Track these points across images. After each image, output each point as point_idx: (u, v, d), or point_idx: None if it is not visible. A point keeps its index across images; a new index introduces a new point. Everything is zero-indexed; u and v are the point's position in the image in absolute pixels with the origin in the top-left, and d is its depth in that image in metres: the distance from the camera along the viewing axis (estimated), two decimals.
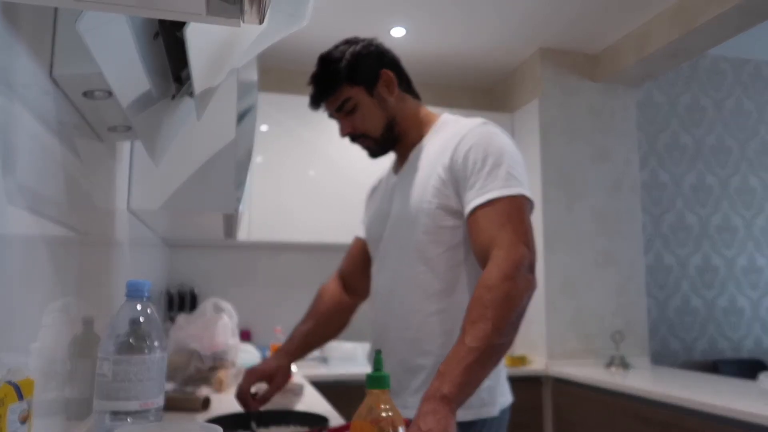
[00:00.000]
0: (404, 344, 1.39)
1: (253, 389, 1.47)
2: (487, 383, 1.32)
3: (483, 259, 1.26)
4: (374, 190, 1.68)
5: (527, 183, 1.33)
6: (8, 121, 0.85)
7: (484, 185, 1.29)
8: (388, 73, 1.47)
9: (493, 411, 1.34)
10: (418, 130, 1.51)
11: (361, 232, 1.72)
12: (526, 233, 1.26)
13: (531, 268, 1.23)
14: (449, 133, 1.43)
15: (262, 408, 1.47)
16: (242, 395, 1.43)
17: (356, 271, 1.69)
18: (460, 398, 1.09)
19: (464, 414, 1.28)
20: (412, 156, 1.49)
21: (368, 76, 1.46)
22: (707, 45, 3.20)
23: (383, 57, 1.49)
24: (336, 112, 1.49)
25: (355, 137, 1.50)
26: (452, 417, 1.06)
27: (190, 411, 1.65)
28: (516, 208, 1.27)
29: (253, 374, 1.47)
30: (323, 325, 1.63)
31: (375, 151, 1.53)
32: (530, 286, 1.21)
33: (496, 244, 1.23)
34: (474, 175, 1.31)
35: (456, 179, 1.35)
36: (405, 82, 1.52)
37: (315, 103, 1.50)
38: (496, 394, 1.37)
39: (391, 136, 1.50)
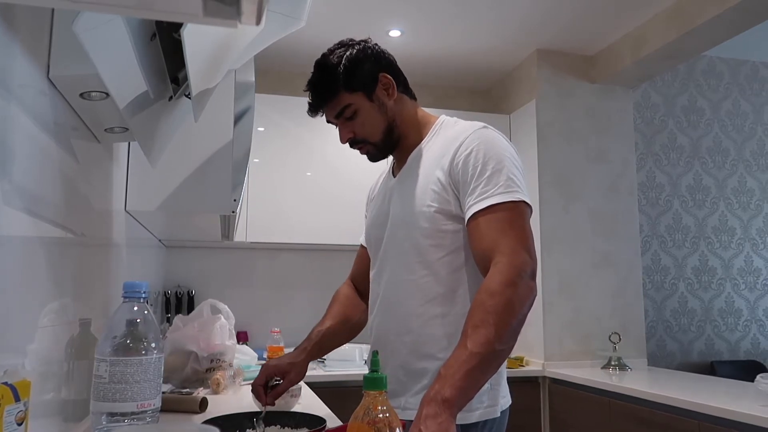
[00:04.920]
0: (405, 348, 1.39)
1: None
2: (488, 385, 1.31)
3: (484, 265, 1.26)
4: (373, 193, 1.68)
5: (526, 188, 1.33)
6: (5, 122, 0.85)
7: (485, 190, 1.29)
8: (387, 77, 1.46)
9: (494, 413, 1.34)
10: (417, 132, 1.51)
11: (363, 237, 1.72)
12: (527, 240, 1.26)
13: (533, 275, 1.23)
14: (448, 136, 1.43)
15: (259, 409, 1.47)
16: (256, 389, 1.46)
17: (366, 276, 1.69)
18: (461, 402, 1.09)
19: (466, 416, 1.28)
20: (410, 159, 1.48)
21: (366, 81, 1.44)
22: (704, 46, 3.21)
23: (380, 60, 1.48)
24: (335, 119, 1.48)
25: (356, 142, 1.49)
26: (453, 421, 1.06)
27: (187, 412, 1.64)
28: (517, 214, 1.27)
29: (267, 369, 1.49)
30: (340, 326, 1.62)
31: (375, 156, 1.52)
32: (532, 293, 1.21)
33: (499, 250, 1.23)
34: (474, 180, 1.31)
35: (456, 183, 1.34)
36: (402, 84, 1.51)
37: (314, 110, 1.49)
38: (497, 396, 1.36)
39: (392, 140, 1.49)
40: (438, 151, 1.41)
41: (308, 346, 1.56)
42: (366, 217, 1.71)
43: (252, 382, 1.49)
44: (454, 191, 1.35)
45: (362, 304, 1.68)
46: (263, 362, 1.62)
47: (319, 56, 1.48)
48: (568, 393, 3.20)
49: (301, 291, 3.80)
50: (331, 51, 1.47)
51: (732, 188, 4.45)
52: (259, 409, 1.44)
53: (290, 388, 1.69)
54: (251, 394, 1.49)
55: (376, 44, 1.50)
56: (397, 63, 1.52)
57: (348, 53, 1.44)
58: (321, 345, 1.58)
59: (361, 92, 1.43)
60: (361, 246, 1.72)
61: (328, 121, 1.51)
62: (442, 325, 1.35)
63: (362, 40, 1.48)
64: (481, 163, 1.31)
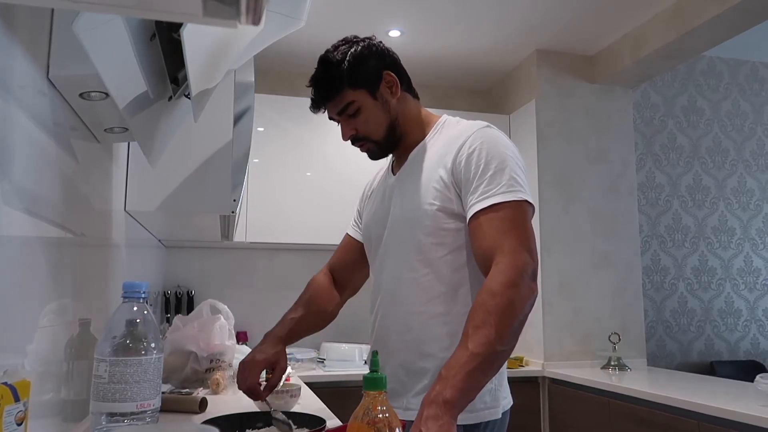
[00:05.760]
0: (405, 346, 1.38)
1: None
2: (489, 386, 1.31)
3: (485, 265, 1.25)
4: (370, 190, 1.68)
5: (528, 187, 1.32)
6: (5, 122, 0.85)
7: (487, 190, 1.28)
8: (391, 74, 1.45)
9: (496, 413, 1.34)
10: (419, 130, 1.50)
11: (352, 231, 1.72)
12: (529, 240, 1.25)
13: (533, 276, 1.23)
14: (451, 135, 1.42)
15: (258, 410, 1.46)
16: (253, 388, 1.44)
17: (346, 267, 1.70)
18: (462, 404, 1.09)
19: (467, 417, 1.28)
20: (412, 157, 1.48)
21: (370, 79, 1.43)
22: (704, 46, 3.21)
23: (385, 57, 1.47)
24: (338, 115, 1.47)
25: (358, 140, 1.48)
26: (453, 422, 1.05)
27: (186, 412, 1.64)
28: (519, 214, 1.27)
29: (257, 365, 1.47)
30: (313, 316, 1.63)
31: (376, 154, 1.52)
32: (532, 294, 1.21)
33: (500, 250, 1.22)
34: (477, 178, 1.30)
35: (458, 182, 1.34)
36: (405, 82, 1.50)
37: (316, 106, 1.48)
38: (499, 397, 1.36)
39: (394, 138, 1.48)
40: (440, 149, 1.41)
41: (282, 333, 1.55)
42: (358, 210, 1.71)
43: (241, 381, 1.45)
44: (456, 190, 1.35)
45: (336, 296, 1.69)
46: None
47: (321, 54, 1.47)
48: (567, 393, 3.20)
49: (300, 291, 3.78)
50: (335, 47, 1.46)
51: (732, 188, 4.45)
52: (262, 408, 1.43)
53: (290, 389, 1.70)
54: (245, 394, 1.46)
55: (380, 42, 1.49)
56: (401, 61, 1.52)
57: (353, 50, 1.43)
58: (293, 332, 1.58)
59: (364, 89, 1.43)
60: (347, 236, 1.72)
61: (330, 118, 1.50)
62: (444, 324, 1.34)
63: (367, 37, 1.48)
64: (484, 162, 1.31)
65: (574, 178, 3.65)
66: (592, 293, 3.57)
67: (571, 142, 3.68)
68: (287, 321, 1.59)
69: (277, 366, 1.49)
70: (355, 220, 1.72)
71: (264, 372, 1.51)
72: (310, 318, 1.62)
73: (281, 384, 1.61)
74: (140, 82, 1.00)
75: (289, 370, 1.68)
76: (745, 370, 3.94)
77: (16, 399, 0.75)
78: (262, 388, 1.48)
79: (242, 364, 1.49)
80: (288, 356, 1.59)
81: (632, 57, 3.42)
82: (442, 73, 4.08)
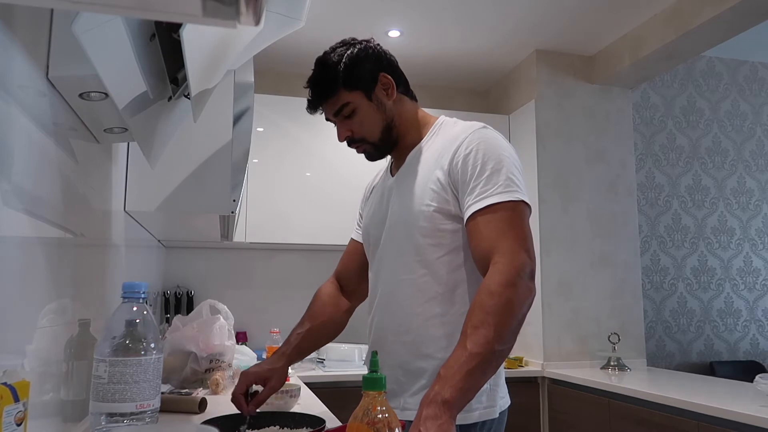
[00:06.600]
0: (403, 347, 1.39)
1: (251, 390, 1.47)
2: (485, 386, 1.31)
3: (483, 265, 1.26)
4: (370, 192, 1.68)
5: (525, 188, 1.33)
6: (4, 122, 0.85)
7: (484, 190, 1.29)
8: (387, 77, 1.46)
9: (493, 413, 1.34)
10: (416, 132, 1.51)
11: (356, 235, 1.71)
12: (526, 240, 1.26)
13: (531, 276, 1.23)
14: (448, 136, 1.43)
15: (258, 410, 1.46)
16: (237, 398, 1.42)
17: (353, 273, 1.69)
18: (461, 403, 1.09)
19: (465, 417, 1.28)
20: (409, 158, 1.49)
21: (366, 81, 1.44)
22: (702, 47, 3.22)
23: (381, 60, 1.48)
24: (334, 117, 1.48)
25: (353, 141, 1.49)
26: (452, 422, 1.06)
27: (186, 413, 1.64)
28: (517, 214, 1.27)
29: (247, 377, 1.46)
30: (320, 327, 1.61)
31: (373, 155, 1.52)
32: (530, 294, 1.22)
33: (498, 250, 1.23)
34: (473, 179, 1.31)
35: (455, 183, 1.35)
36: (402, 84, 1.51)
37: (312, 107, 1.49)
38: (496, 397, 1.36)
39: (390, 140, 1.49)
40: (437, 150, 1.42)
41: (287, 350, 1.54)
42: (360, 213, 1.71)
43: (232, 390, 1.44)
44: (453, 191, 1.35)
45: (345, 304, 1.67)
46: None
47: (319, 55, 1.48)
48: (567, 393, 3.21)
49: (300, 291, 3.78)
50: (332, 49, 1.47)
51: (731, 189, 4.45)
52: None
53: (290, 389, 1.69)
54: (231, 403, 1.44)
55: (378, 44, 1.50)
56: (398, 63, 1.53)
57: (349, 52, 1.44)
58: (300, 349, 1.56)
59: (360, 91, 1.44)
60: (352, 241, 1.72)
61: (326, 119, 1.51)
62: (441, 325, 1.35)
63: (364, 40, 1.49)
64: (481, 162, 1.31)
65: (574, 178, 3.65)
66: (591, 293, 3.58)
67: (570, 142, 3.68)
68: (293, 337, 1.57)
69: (268, 382, 1.46)
70: (357, 224, 1.72)
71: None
72: (317, 330, 1.60)
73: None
74: (140, 83, 1.00)
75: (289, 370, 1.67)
76: (745, 371, 3.94)
77: (16, 399, 0.75)
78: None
79: (240, 374, 1.49)
80: None
81: (631, 57, 3.42)
82: (442, 73, 4.08)
